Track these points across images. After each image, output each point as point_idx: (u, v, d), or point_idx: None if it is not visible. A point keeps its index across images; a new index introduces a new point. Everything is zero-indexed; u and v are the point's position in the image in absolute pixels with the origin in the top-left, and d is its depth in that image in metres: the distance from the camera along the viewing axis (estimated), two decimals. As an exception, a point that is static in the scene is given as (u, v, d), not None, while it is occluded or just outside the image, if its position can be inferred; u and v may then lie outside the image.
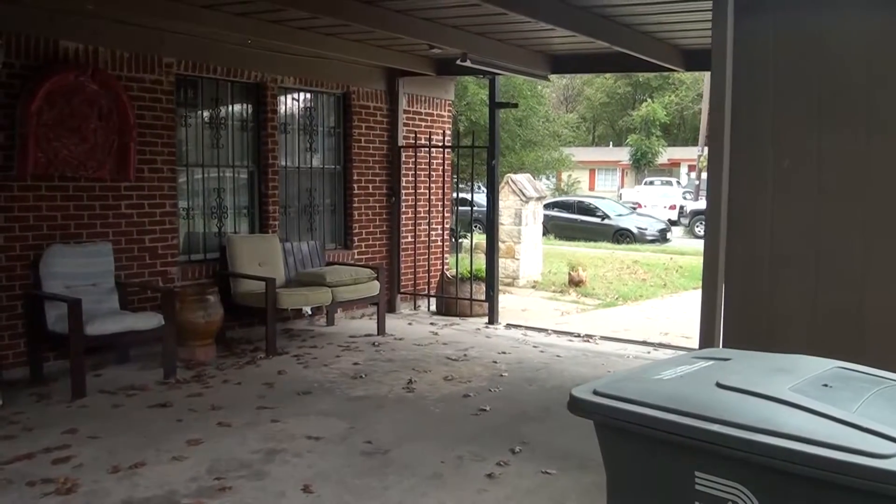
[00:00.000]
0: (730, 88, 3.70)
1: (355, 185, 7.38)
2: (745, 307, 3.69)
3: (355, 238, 7.42)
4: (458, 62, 6.10)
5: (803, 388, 1.86)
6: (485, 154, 7.35)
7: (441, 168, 7.97)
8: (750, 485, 1.65)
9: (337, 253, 7.24)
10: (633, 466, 1.80)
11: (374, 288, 6.50)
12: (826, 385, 1.90)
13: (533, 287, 9.91)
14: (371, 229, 7.57)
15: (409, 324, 7.25)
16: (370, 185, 7.53)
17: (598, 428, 1.88)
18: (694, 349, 5.70)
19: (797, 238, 3.62)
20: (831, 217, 3.53)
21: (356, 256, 7.42)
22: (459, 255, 8.06)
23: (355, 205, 7.39)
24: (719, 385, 1.87)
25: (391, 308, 7.68)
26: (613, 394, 1.87)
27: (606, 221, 19.19)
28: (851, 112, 3.48)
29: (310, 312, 6.19)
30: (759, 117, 3.69)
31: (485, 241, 8.36)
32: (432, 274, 7.97)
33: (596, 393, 1.90)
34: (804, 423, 1.68)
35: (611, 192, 39.93)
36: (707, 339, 3.63)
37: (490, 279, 7.32)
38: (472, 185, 8.01)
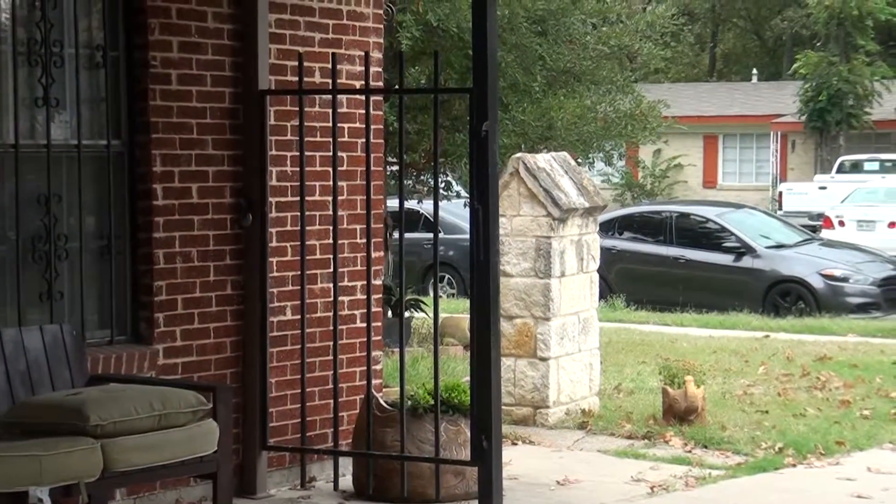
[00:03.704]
0: None
1: (158, 189, 7.45)
2: None
3: (160, 316, 7.46)
4: None
5: None
6: (461, 107, 7.52)
7: (363, 141, 8.09)
8: None
9: (116, 354, 7.26)
10: None
11: (203, 439, 6.57)
12: None
13: (581, 426, 10.01)
14: (198, 294, 7.63)
15: (290, 523, 7.34)
16: (194, 187, 7.61)
17: None
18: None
19: None
20: None
21: (162, 362, 7.44)
22: (407, 348, 8.08)
23: (159, 234, 7.45)
24: None
25: (247, 485, 7.66)
26: None
27: (748, 262, 19.65)
28: None
29: (46, 501, 6.10)
30: None
31: (466, 317, 8.35)
32: (344, 400, 8.02)
33: None
34: None
35: (757, 191, 40.61)
36: None
37: (484, 410, 7.40)
38: (437, 179, 8.12)
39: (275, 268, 7.92)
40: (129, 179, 7.46)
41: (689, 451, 9.25)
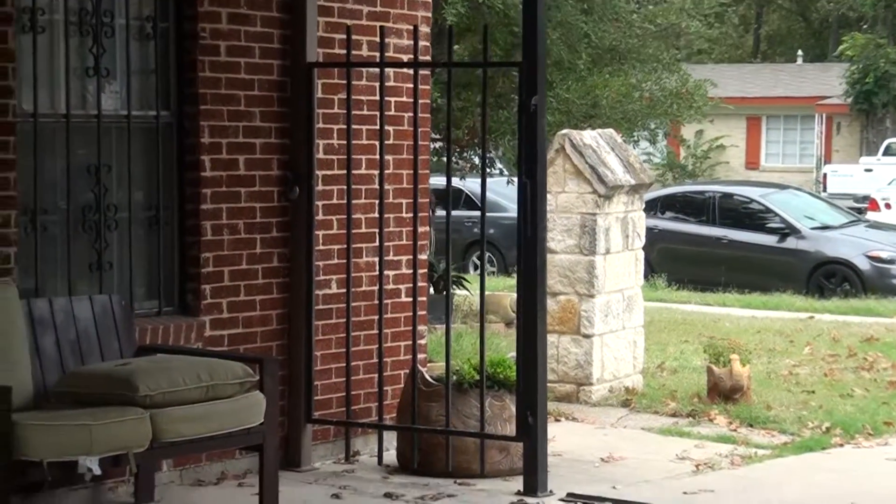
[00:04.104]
0: None
1: (206, 160, 7.52)
2: None
3: (207, 288, 7.53)
4: None
5: None
6: (505, 84, 7.50)
7: (409, 115, 8.15)
8: None
9: (163, 325, 7.34)
10: None
11: (250, 411, 6.62)
12: None
13: (625, 403, 10.07)
14: (244, 266, 7.69)
15: (336, 496, 7.35)
16: (241, 159, 7.68)
17: None
18: None
19: None
20: None
21: (209, 333, 7.52)
22: (452, 325, 8.12)
23: (206, 206, 7.52)
24: None
25: (292, 458, 7.75)
26: None
27: (792, 243, 19.64)
28: None
29: (96, 470, 6.18)
30: None
31: (507, 295, 8.39)
32: (389, 374, 8.07)
33: None
34: None
35: (800, 173, 40.35)
36: None
37: (530, 386, 7.45)
38: (485, 153, 8.14)
39: (321, 241, 7.97)
40: (177, 150, 7.53)
41: (735, 430, 9.28)
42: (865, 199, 29.98)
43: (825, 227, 20.01)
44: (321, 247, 7.98)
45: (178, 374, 6.41)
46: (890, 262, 19.18)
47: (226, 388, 6.52)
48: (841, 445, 8.99)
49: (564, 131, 10.54)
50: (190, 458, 7.26)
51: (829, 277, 19.08)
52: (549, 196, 9.44)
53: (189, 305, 7.54)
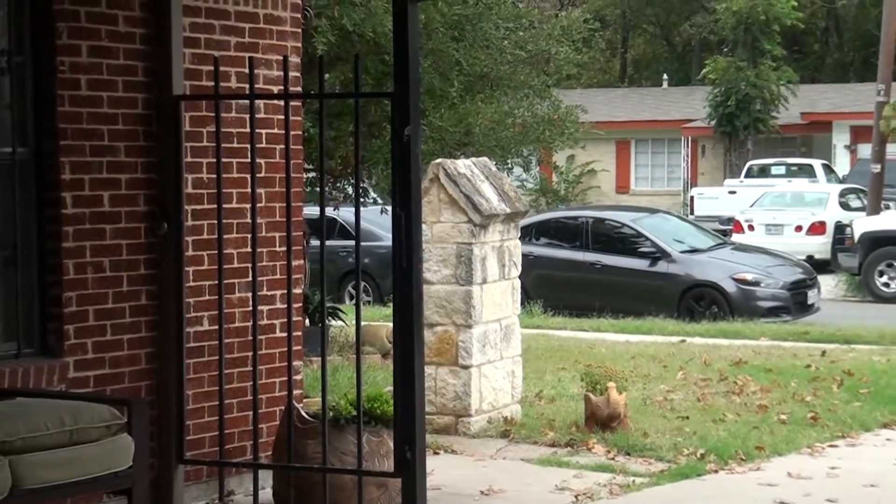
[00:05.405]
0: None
1: (67, 197, 7.33)
2: None
3: (70, 328, 7.33)
4: None
5: None
6: (377, 113, 7.39)
7: (281, 147, 7.99)
8: None
9: (23, 367, 7.15)
10: None
11: (117, 454, 6.53)
12: None
13: (504, 434, 9.98)
14: (110, 305, 7.51)
15: (209, 539, 7.20)
16: (106, 195, 7.50)
17: None
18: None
19: None
20: None
21: (73, 375, 7.31)
22: (329, 357, 8.00)
23: (68, 244, 7.33)
24: None
25: (164, 500, 7.56)
26: None
27: (662, 267, 19.84)
28: None
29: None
30: None
31: (383, 325, 8.23)
32: (264, 411, 7.92)
33: None
34: None
35: (669, 196, 41.06)
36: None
37: (407, 420, 7.30)
38: (358, 185, 8.03)
39: (191, 277, 7.80)
40: (36, 188, 7.33)
41: (613, 459, 9.25)
42: (730, 221, 30.60)
43: (694, 251, 20.34)
44: (192, 283, 7.80)
45: (39, 418, 6.29)
46: (755, 283, 19.63)
47: (91, 431, 6.41)
48: (715, 472, 9.00)
49: (439, 160, 10.45)
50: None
51: (698, 300, 19.38)
52: (424, 226, 9.35)
53: (51, 347, 7.32)
